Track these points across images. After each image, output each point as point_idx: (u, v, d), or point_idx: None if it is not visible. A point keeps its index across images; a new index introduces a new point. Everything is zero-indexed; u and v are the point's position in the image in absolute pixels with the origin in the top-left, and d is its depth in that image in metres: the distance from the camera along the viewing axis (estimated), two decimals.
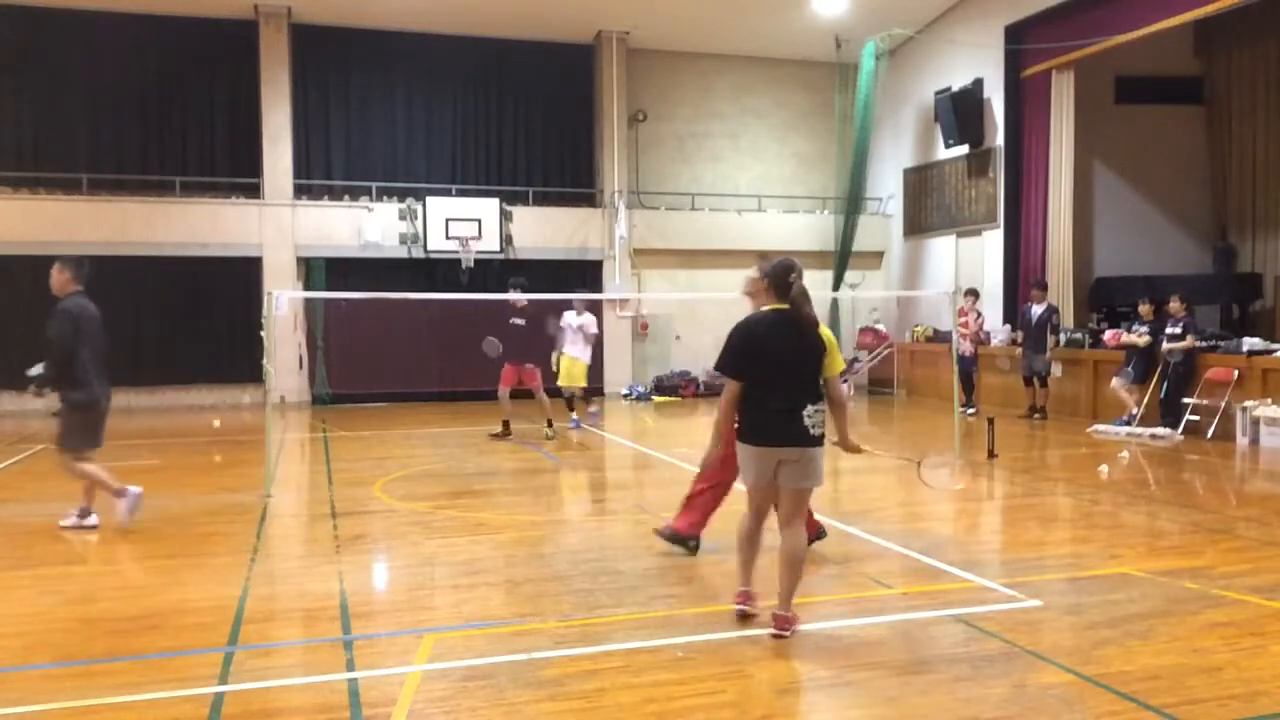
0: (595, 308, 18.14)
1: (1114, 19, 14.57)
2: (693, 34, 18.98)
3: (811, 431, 4.73)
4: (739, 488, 5.11)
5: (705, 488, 6.30)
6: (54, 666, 4.44)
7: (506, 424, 12.62)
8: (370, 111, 18.08)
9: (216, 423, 12.40)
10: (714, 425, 4.97)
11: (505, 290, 12.31)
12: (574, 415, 13.48)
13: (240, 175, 17.31)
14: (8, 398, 16.19)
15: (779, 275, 4.83)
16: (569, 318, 13.23)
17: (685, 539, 6.38)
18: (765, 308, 4.93)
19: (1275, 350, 11.78)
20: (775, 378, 4.75)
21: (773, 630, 4.72)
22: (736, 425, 4.89)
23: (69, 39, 16.57)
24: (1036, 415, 14.01)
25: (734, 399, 4.82)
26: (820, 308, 19.98)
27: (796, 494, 4.82)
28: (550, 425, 12.56)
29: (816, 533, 6.34)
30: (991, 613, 5.09)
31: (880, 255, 20.27)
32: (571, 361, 13.21)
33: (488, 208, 17.55)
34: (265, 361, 9.15)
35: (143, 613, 5.23)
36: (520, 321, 12.37)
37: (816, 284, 18.54)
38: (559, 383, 13.32)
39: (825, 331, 4.90)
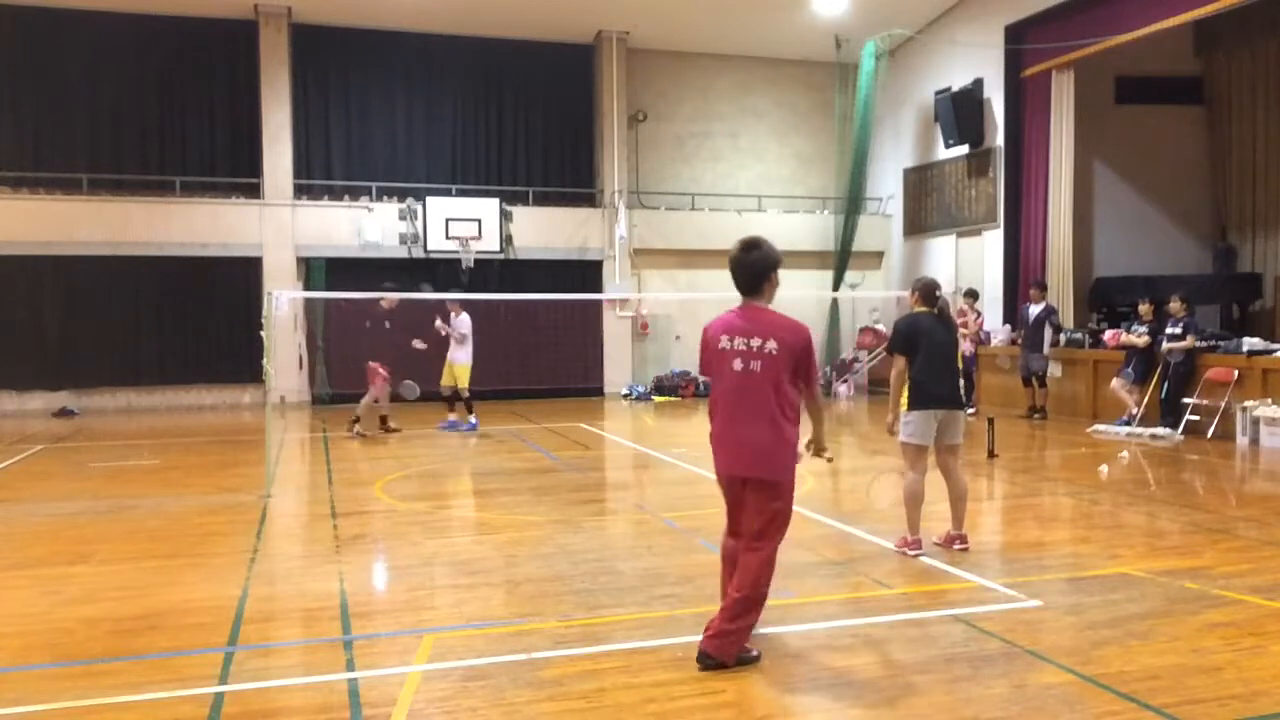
0: (597, 307, 18.23)
1: (1114, 19, 14.56)
2: (693, 34, 18.98)
3: (962, 398, 6.54)
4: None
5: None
6: (54, 666, 4.44)
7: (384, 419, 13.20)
8: (370, 111, 18.08)
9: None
10: (890, 397, 6.53)
11: (501, 291, 12.44)
12: (454, 416, 13.41)
13: (240, 175, 17.31)
14: (8, 397, 16.22)
15: (928, 290, 6.56)
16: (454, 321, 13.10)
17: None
18: (918, 309, 6.54)
19: (1275, 350, 11.77)
20: (936, 357, 6.35)
21: (958, 546, 6.37)
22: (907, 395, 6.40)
23: (69, 39, 16.58)
24: (1036, 415, 14.01)
25: (903, 373, 6.39)
26: (820, 307, 19.94)
27: (952, 448, 6.47)
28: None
29: None
30: (991, 613, 5.09)
31: (880, 255, 20.27)
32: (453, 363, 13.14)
33: (488, 208, 17.54)
34: (265, 361, 9.16)
35: (143, 613, 5.23)
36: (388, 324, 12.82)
37: (816, 284, 18.87)
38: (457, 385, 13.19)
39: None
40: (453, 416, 13.39)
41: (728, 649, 4.29)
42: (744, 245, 4.57)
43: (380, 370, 12.76)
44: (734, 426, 4.45)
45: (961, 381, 6.64)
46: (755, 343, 4.42)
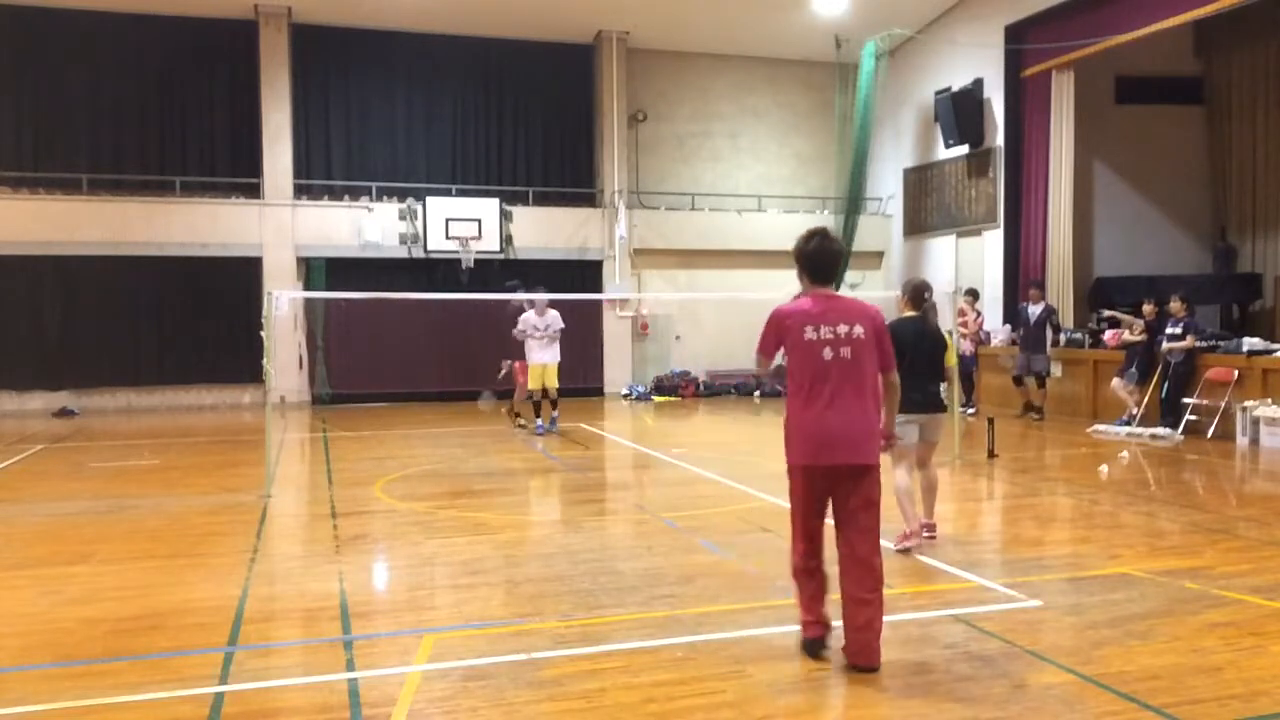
0: (597, 307, 18.24)
1: (1114, 19, 14.57)
2: (693, 34, 18.98)
3: (943, 401, 6.92)
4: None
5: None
6: (54, 666, 4.44)
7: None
8: (370, 111, 18.08)
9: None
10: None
11: (504, 290, 12.54)
12: (540, 419, 13.18)
13: (240, 175, 17.31)
14: (8, 397, 16.21)
15: (916, 293, 6.72)
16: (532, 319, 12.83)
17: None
18: (905, 314, 6.70)
19: (1275, 350, 11.77)
20: (918, 364, 6.43)
21: (926, 534, 6.50)
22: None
23: (69, 39, 16.57)
24: (1034, 415, 14.01)
25: None
26: None
27: (930, 445, 6.76)
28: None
29: None
30: (991, 613, 5.09)
31: (880, 255, 20.26)
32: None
33: (488, 208, 17.54)
34: (265, 361, 9.16)
35: (143, 613, 5.23)
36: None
37: None
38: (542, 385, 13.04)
39: (944, 333, 6.96)
40: (554, 413, 13.28)
41: (878, 646, 4.27)
42: (821, 234, 4.64)
43: (521, 367, 13.11)
44: (829, 415, 4.30)
45: (958, 382, 6.70)
46: (842, 329, 4.35)
